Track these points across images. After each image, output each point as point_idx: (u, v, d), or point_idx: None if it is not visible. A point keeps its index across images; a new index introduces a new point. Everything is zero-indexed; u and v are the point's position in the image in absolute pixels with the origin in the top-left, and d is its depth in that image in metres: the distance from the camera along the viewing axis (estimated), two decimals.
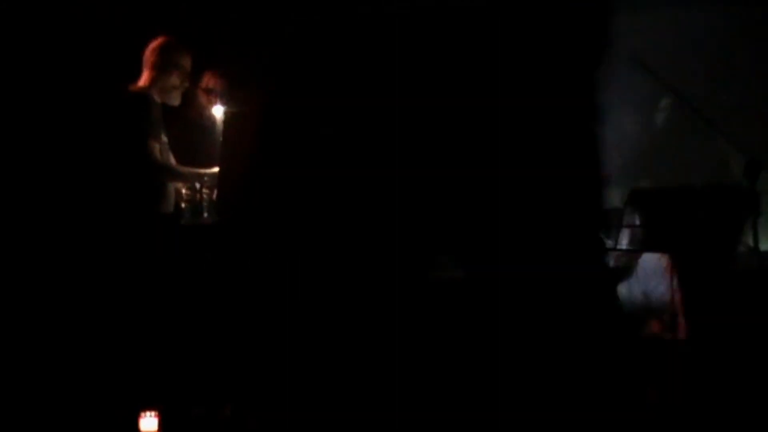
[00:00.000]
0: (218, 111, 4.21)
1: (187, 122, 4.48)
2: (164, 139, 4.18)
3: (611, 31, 3.29)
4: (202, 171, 4.07)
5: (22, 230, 4.90)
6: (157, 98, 4.18)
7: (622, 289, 4.31)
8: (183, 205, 4.07)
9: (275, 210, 3.69)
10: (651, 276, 4.29)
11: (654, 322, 4.18)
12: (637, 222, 4.02)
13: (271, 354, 4.07)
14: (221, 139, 4.00)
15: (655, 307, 4.23)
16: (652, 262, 4.27)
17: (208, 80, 4.52)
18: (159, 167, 4.08)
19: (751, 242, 4.08)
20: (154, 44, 4.24)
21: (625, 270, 4.32)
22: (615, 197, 4.61)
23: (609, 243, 4.14)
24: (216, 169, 3.99)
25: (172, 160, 4.25)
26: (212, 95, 4.44)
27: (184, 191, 4.07)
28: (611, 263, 4.26)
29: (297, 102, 3.63)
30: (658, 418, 3.85)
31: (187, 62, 4.26)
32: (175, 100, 4.28)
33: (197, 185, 4.08)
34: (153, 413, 3.79)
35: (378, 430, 3.69)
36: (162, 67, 4.20)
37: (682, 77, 4.96)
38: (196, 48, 4.29)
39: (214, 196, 4.04)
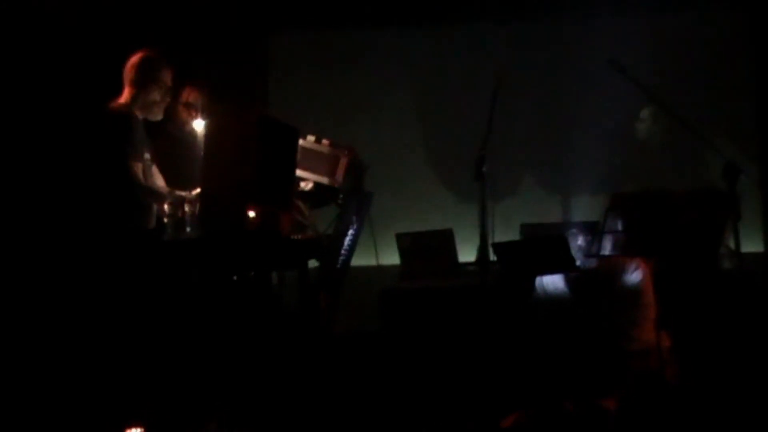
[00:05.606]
0: (199, 125, 4.21)
1: (168, 137, 4.47)
2: (147, 156, 4.16)
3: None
4: (185, 194, 4.06)
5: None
6: (139, 114, 4.15)
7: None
8: (165, 220, 4.05)
9: None
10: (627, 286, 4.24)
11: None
12: (620, 227, 4.01)
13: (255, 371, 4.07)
14: (202, 152, 4.00)
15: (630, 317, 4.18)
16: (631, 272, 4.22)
17: (188, 95, 4.53)
18: (141, 189, 4.06)
19: (732, 245, 4.09)
20: (133, 60, 4.20)
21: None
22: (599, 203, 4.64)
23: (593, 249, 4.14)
24: (198, 191, 3.98)
25: (156, 176, 4.24)
26: (193, 109, 4.44)
27: (166, 206, 4.04)
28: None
29: None
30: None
31: (167, 77, 4.23)
32: (157, 116, 4.25)
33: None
34: (138, 429, 3.78)
35: None
36: (143, 83, 4.17)
37: (661, 82, 4.98)
38: (175, 62, 4.28)
39: (197, 210, 4.03)
